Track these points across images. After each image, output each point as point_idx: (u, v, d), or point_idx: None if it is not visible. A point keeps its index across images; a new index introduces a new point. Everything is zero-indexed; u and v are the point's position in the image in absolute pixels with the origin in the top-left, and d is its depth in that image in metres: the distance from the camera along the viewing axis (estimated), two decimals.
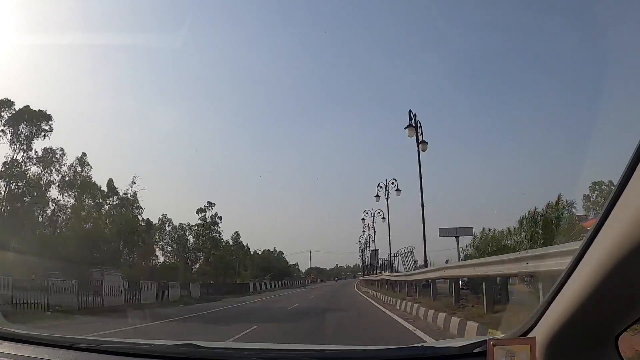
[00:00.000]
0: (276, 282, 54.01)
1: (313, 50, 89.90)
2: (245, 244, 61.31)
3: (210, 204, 48.94)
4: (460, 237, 24.15)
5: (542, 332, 1.26)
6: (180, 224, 46.76)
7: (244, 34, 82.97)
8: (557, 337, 1.22)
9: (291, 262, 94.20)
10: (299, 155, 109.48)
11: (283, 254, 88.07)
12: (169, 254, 45.40)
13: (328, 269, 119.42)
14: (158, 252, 43.02)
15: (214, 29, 78.99)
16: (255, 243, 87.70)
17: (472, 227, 24.80)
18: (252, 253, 64.67)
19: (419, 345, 1.79)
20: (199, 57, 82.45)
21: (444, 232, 25.82)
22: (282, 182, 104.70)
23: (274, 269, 67.57)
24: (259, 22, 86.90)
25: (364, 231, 52.82)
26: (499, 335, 2.10)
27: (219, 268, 46.27)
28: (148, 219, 39.48)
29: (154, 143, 75.61)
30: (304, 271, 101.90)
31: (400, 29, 78.47)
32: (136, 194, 37.75)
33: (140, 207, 38.21)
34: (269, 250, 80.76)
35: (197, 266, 47.15)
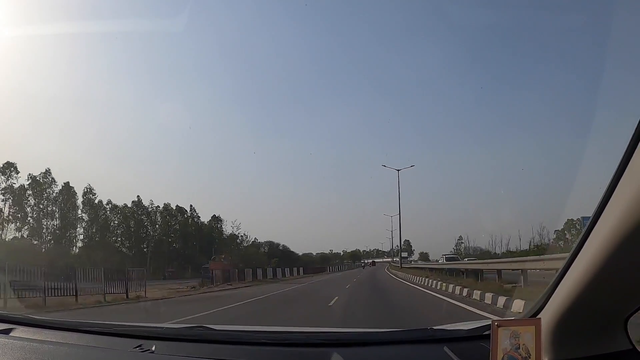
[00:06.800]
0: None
1: (314, 37, 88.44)
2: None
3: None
4: None
5: (548, 314, 1.25)
6: None
7: (244, 20, 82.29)
8: (564, 318, 1.21)
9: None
10: (293, 143, 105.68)
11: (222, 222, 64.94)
12: None
13: (315, 253, 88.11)
14: None
15: (213, 14, 78.90)
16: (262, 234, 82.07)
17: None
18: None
19: (428, 327, 1.79)
20: (198, 42, 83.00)
21: None
22: (277, 167, 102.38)
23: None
24: (259, 8, 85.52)
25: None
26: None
27: None
28: None
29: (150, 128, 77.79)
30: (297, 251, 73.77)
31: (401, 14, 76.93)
32: None
33: None
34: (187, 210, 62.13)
35: None
